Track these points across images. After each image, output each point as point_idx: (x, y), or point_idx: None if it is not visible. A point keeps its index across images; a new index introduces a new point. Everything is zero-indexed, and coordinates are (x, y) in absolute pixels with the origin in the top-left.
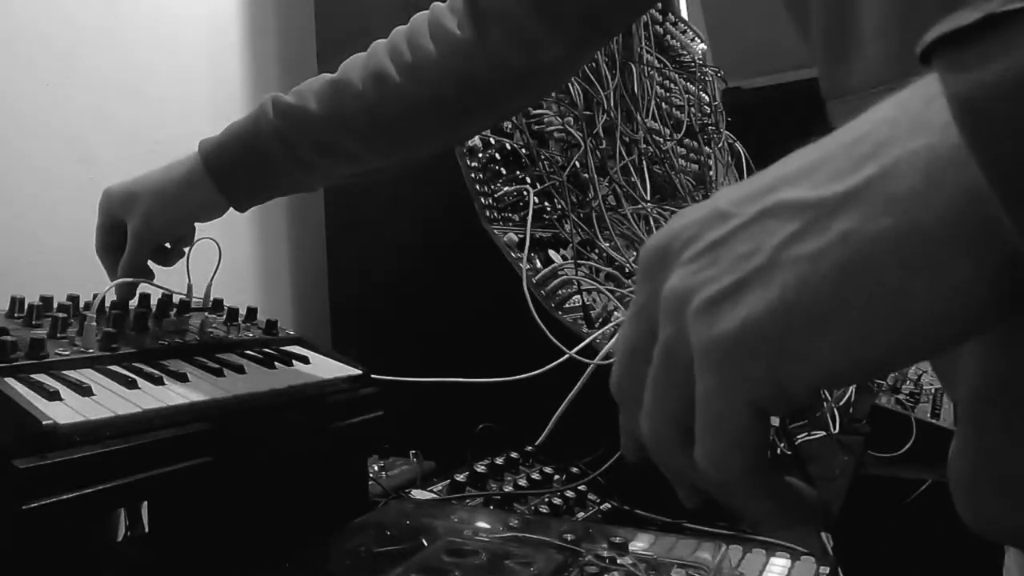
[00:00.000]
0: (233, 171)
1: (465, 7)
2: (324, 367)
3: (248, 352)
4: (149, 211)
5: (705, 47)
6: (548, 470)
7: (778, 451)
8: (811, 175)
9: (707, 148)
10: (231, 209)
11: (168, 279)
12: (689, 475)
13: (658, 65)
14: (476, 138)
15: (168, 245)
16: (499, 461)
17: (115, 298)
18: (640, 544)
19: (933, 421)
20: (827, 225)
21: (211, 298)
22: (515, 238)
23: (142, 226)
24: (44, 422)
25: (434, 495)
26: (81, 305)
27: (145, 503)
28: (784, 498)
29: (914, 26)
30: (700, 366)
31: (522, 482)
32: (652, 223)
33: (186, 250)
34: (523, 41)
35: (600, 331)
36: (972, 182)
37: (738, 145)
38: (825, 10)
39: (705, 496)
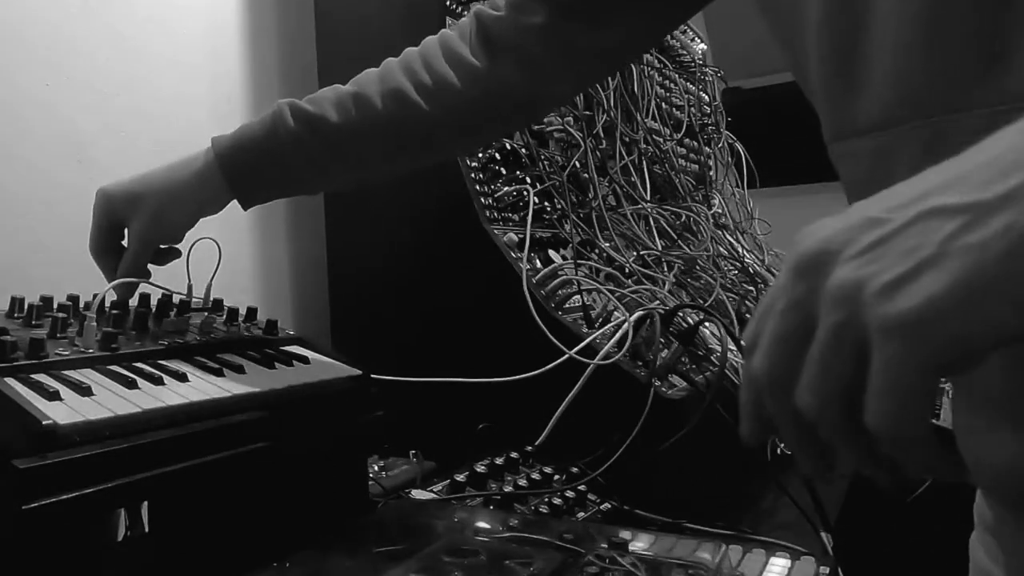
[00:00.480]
0: (248, 172)
1: (477, 37)
2: (324, 367)
3: (248, 352)
4: (157, 211)
5: (705, 47)
6: (548, 470)
7: (778, 451)
8: (959, 185)
9: (707, 148)
10: (231, 210)
11: (168, 279)
12: (845, 440)
13: (658, 65)
14: None
15: (162, 245)
16: (499, 461)
17: (115, 298)
18: (640, 544)
19: (933, 421)
20: (987, 221)
21: (211, 298)
22: (515, 238)
23: (149, 226)
24: (44, 422)
25: (434, 495)
26: (81, 305)
27: (145, 503)
28: (938, 451)
29: (937, 67)
30: (883, 338)
31: (522, 482)
32: (652, 223)
33: (181, 249)
34: (533, 72)
35: (600, 331)
36: None
37: (738, 145)
38: (828, 53)
39: (832, 468)
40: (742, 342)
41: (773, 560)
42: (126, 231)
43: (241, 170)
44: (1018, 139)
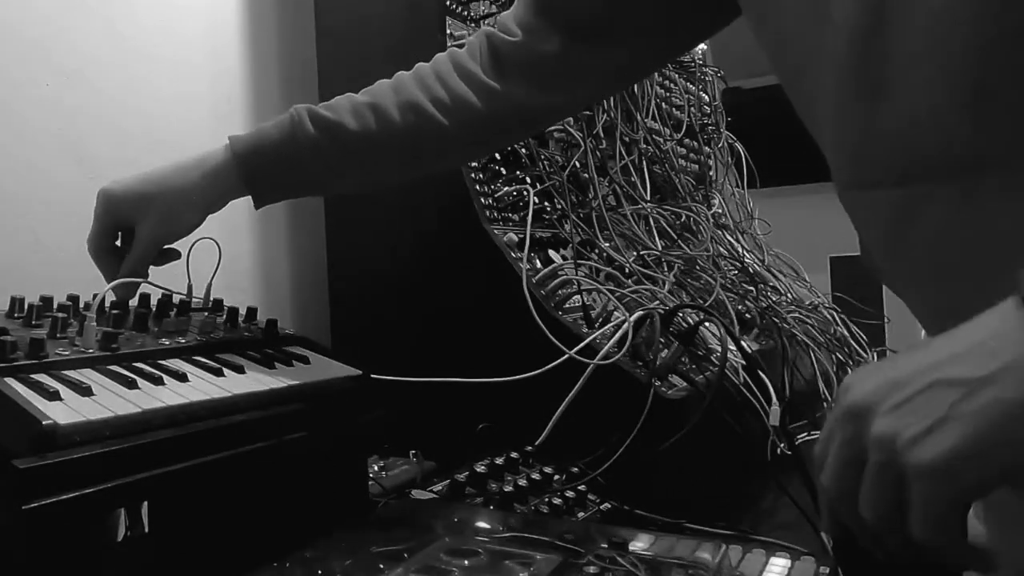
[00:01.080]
0: (266, 174)
1: (489, 59)
2: (324, 367)
3: (248, 352)
4: (168, 212)
5: (705, 47)
6: (548, 470)
7: (778, 451)
8: (960, 362)
9: (707, 148)
10: (231, 210)
11: (168, 279)
12: (897, 539)
13: None
14: None
15: (167, 245)
16: (499, 461)
17: (115, 298)
18: (640, 544)
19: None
20: (982, 393)
21: (211, 298)
22: (515, 238)
23: (159, 227)
24: (44, 422)
25: (434, 495)
26: (81, 305)
27: (145, 503)
28: (968, 551)
29: (971, 125)
30: (915, 479)
31: (522, 482)
32: (652, 223)
33: (180, 249)
34: (544, 92)
35: (600, 331)
36: None
37: (738, 145)
38: (848, 100)
39: (891, 551)
40: (816, 456)
41: (773, 560)
42: (121, 232)
43: (259, 172)
44: (999, 326)
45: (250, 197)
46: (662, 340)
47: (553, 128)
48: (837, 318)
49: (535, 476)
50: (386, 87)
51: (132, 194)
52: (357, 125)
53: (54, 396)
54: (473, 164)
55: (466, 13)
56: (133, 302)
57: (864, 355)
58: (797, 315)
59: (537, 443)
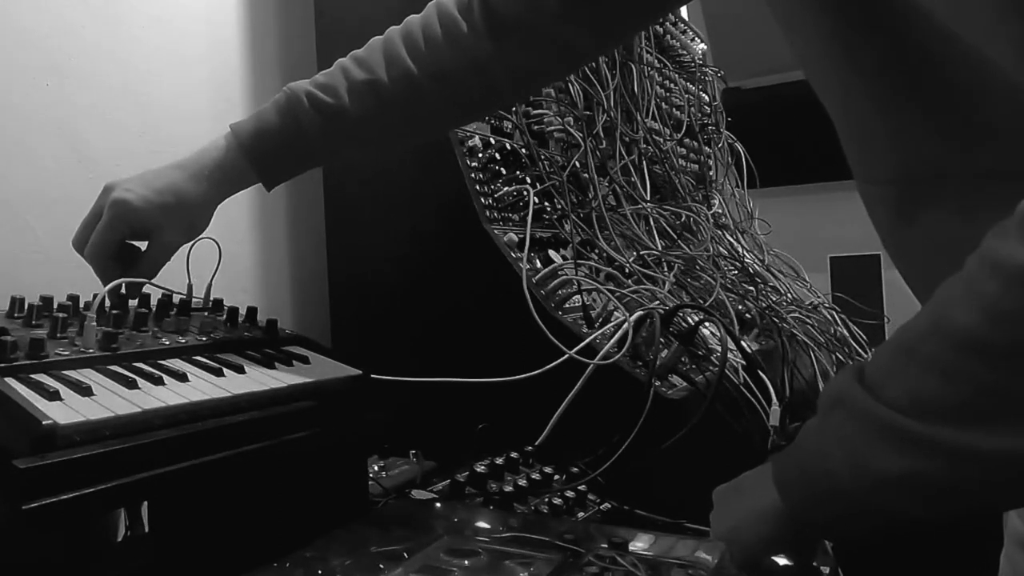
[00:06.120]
0: (274, 159)
1: (482, 16)
2: (324, 367)
3: (248, 352)
4: (191, 219)
5: (705, 47)
6: (548, 470)
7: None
8: (722, 508)
9: (707, 148)
10: (230, 210)
11: (168, 279)
12: None
13: (658, 65)
14: (476, 138)
15: None
16: (499, 461)
17: (119, 298)
18: (640, 544)
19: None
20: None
21: (211, 298)
22: (515, 238)
23: (182, 235)
24: (44, 422)
25: (434, 495)
26: (81, 305)
27: (145, 503)
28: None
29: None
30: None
31: (522, 482)
32: (652, 223)
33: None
34: (537, 54)
35: (600, 331)
36: (785, 514)
37: (738, 145)
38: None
39: None
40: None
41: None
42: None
43: (268, 158)
44: (754, 484)
45: (251, 186)
46: (662, 340)
47: (553, 128)
48: (837, 318)
49: (535, 476)
50: (378, 56)
51: (152, 206)
52: (356, 108)
53: (54, 396)
54: (473, 164)
55: None
56: (133, 302)
57: (864, 355)
58: (797, 315)
59: (537, 443)
